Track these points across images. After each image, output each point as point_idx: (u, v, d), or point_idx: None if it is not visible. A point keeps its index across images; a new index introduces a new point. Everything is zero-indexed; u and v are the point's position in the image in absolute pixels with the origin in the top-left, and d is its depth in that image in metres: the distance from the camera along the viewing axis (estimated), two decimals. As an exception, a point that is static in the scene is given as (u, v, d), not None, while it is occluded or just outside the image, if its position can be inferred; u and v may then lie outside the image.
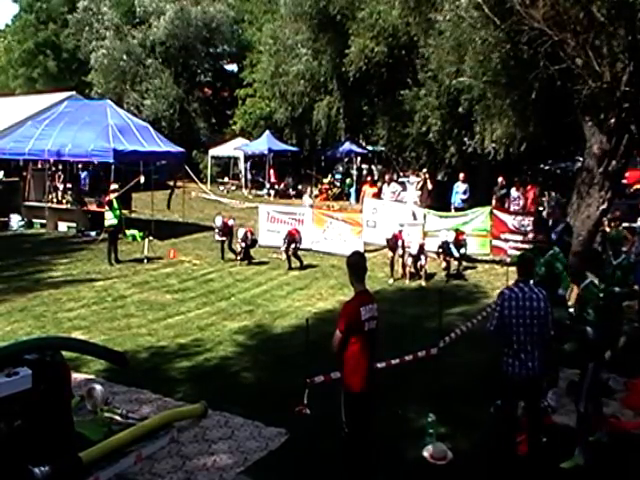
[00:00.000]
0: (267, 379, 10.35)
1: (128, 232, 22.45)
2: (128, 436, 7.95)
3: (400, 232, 18.04)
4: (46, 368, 7.54)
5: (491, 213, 19.99)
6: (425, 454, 7.96)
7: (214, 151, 42.52)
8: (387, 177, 27.28)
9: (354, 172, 37.90)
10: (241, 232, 19.33)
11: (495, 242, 19.72)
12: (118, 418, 8.53)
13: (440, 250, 18.12)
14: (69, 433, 7.63)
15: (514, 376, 7.40)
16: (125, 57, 45.09)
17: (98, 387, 8.97)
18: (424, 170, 27.01)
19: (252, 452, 8.04)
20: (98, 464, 7.46)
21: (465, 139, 24.34)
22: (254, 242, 19.97)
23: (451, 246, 17.84)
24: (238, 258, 19.45)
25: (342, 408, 6.91)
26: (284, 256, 19.09)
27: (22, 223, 25.47)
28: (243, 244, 19.34)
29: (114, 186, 20.62)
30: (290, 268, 18.70)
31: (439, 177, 30.09)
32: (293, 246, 18.96)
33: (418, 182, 26.25)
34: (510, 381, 7.46)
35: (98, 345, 10.02)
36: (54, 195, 26.40)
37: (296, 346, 11.59)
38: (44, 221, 25.26)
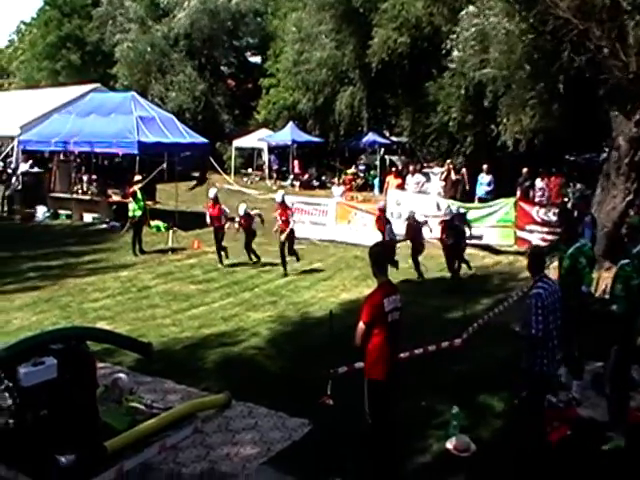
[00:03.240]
0: (290, 370, 10.36)
1: (152, 223, 22.55)
2: (153, 425, 8.00)
3: (412, 220, 17.61)
4: (71, 358, 7.61)
5: (515, 204, 19.87)
6: (448, 446, 7.93)
7: (238, 142, 42.52)
8: (411, 168, 27.17)
9: (378, 163, 37.75)
10: (241, 208, 18.16)
11: (520, 233, 19.59)
12: (143, 408, 8.58)
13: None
14: (94, 422, 7.70)
15: (548, 373, 7.38)
16: (149, 50, 45.19)
17: (123, 377, 9.03)
18: (448, 161, 26.90)
19: (275, 442, 8.05)
20: (123, 453, 7.52)
21: (489, 130, 24.19)
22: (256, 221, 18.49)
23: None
24: (253, 260, 18.35)
25: (365, 399, 6.92)
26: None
27: (48, 214, 25.69)
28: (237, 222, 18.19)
29: (138, 177, 20.72)
30: (285, 274, 17.18)
31: (462, 168, 29.92)
32: (287, 243, 17.33)
33: (442, 173, 26.15)
34: (545, 379, 7.42)
35: (123, 335, 10.09)
36: (79, 186, 26.58)
37: (319, 337, 11.59)
38: (70, 212, 25.47)
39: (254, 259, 18.32)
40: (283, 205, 17.35)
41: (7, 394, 7.43)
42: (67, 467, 6.99)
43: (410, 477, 7.32)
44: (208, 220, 18.54)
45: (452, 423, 8.20)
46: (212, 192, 18.55)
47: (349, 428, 7.88)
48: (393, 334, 6.91)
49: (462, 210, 17.82)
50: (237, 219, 18.51)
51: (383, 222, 17.35)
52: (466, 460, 7.69)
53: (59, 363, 7.39)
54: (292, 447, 7.98)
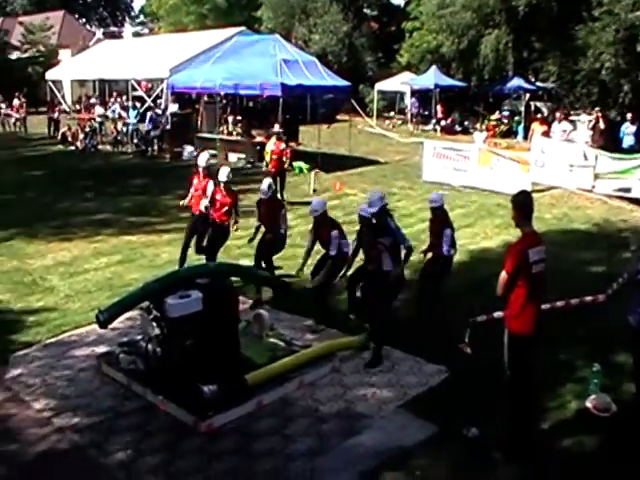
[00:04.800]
0: (428, 315, 10.30)
1: (295, 164, 22.79)
2: (292, 362, 8.20)
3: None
4: (216, 292, 7.86)
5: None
6: (588, 404, 7.68)
7: (380, 85, 42.33)
8: (558, 115, 26.17)
9: (522, 109, 36.65)
10: (224, 172, 12.03)
11: (674, 188, 18.55)
12: (282, 344, 8.81)
13: None
14: (236, 355, 7.96)
15: None
16: (294, -8, 45.46)
17: (264, 313, 9.26)
18: (596, 109, 25.77)
19: (412, 387, 8.09)
20: (262, 387, 7.77)
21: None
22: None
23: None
24: None
25: (505, 350, 6.77)
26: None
27: (195, 153, 26.46)
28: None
29: (276, 128, 20.48)
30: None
31: (612, 116, 28.53)
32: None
33: (590, 121, 25.10)
34: None
35: (265, 273, 10.31)
36: (224, 127, 27.21)
37: (459, 284, 11.46)
38: (215, 152, 26.12)
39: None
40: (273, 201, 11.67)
41: (155, 324, 7.78)
42: (210, 397, 7.28)
43: (547, 433, 7.15)
44: (187, 199, 12.77)
45: (593, 381, 7.93)
46: (203, 158, 12.77)
47: (487, 378, 7.76)
48: (537, 286, 6.70)
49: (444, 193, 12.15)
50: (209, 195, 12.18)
51: (327, 227, 10.22)
52: (606, 421, 7.46)
53: (204, 297, 7.65)
54: (428, 393, 7.99)
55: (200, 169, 12.46)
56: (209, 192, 12.04)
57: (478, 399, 7.62)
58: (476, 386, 7.88)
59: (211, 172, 12.55)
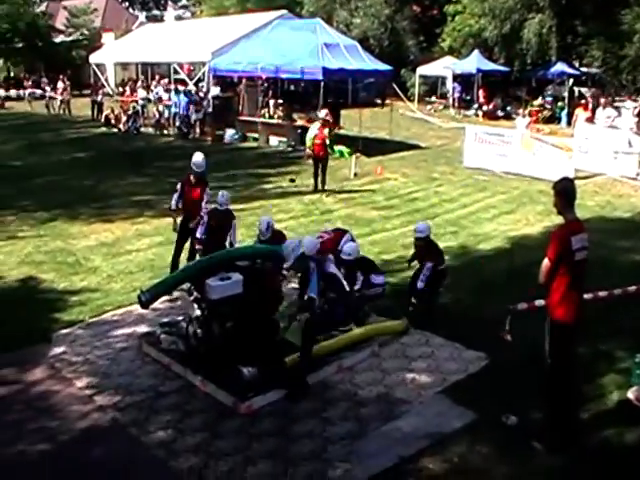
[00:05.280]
0: (468, 302, 10.21)
1: (336, 148, 22.76)
2: (331, 346, 8.21)
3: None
4: (256, 275, 7.89)
5: None
6: (630, 396, 7.54)
7: (422, 69, 41.99)
8: (603, 101, 25.74)
9: (566, 94, 36.14)
10: (222, 198, 10.60)
11: None
12: (322, 327, 8.79)
13: None
14: (275, 337, 7.98)
15: None
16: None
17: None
18: (642, 95, 25.40)
19: (451, 373, 8.05)
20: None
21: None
22: None
23: None
24: None
25: (547, 338, 6.69)
26: None
27: (236, 136, 26.62)
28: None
29: (323, 113, 20.10)
30: None
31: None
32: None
33: (635, 108, 24.67)
34: None
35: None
36: (266, 110, 27.27)
37: (499, 271, 11.40)
38: (257, 135, 26.24)
39: None
40: None
41: (196, 305, 7.84)
42: (249, 379, 7.32)
43: (587, 422, 7.06)
44: (174, 203, 11.34)
45: (635, 372, 7.77)
46: (198, 157, 11.13)
47: (527, 366, 7.70)
48: (579, 274, 6.61)
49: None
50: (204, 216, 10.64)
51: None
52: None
53: (244, 279, 7.69)
54: (468, 379, 7.94)
55: (195, 172, 10.97)
56: (205, 218, 10.51)
57: (518, 387, 7.57)
58: (516, 374, 7.82)
59: (205, 177, 11.35)
